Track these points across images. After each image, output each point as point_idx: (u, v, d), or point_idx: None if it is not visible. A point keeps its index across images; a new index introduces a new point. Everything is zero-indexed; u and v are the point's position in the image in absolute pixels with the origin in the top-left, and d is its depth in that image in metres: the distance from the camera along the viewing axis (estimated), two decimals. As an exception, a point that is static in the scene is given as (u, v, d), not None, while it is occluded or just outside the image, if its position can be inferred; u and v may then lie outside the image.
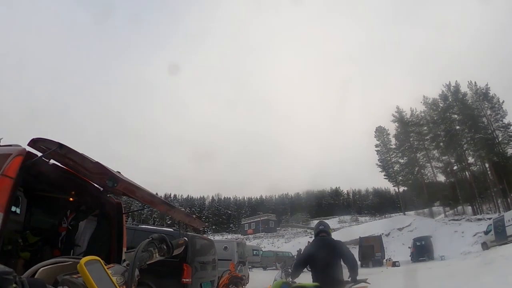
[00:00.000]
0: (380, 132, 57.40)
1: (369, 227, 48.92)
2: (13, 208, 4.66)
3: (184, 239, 1.55)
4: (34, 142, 3.31)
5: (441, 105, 50.52)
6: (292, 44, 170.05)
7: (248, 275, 16.14)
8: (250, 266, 22.72)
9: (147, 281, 6.31)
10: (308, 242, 6.19)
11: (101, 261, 0.93)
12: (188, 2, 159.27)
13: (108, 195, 4.48)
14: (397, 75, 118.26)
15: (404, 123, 52.98)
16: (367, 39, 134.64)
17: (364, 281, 5.48)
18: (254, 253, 35.36)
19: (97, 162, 3.34)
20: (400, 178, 55.09)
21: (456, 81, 50.35)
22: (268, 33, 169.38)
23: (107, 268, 0.96)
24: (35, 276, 0.93)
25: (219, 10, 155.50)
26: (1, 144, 3.57)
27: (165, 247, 1.35)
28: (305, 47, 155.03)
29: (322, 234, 5.55)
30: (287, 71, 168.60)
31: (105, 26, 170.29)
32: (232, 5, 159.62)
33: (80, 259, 0.89)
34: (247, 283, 13.60)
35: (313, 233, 6.02)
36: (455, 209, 50.34)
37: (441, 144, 49.94)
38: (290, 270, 6.36)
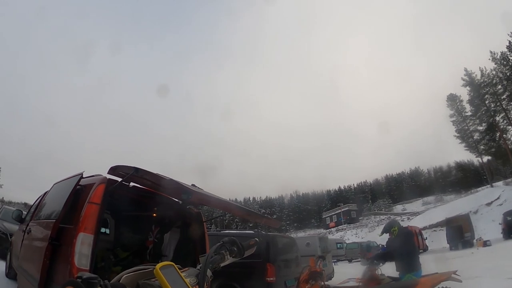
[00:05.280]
0: (452, 100, 51.98)
1: (455, 205, 45.36)
2: (103, 230, 5.29)
3: (255, 239, 1.65)
4: (113, 170, 3.70)
5: (511, 58, 44.35)
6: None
7: (333, 269, 15.94)
8: (334, 260, 22.46)
9: (233, 283, 6.61)
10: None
11: (175, 265, 1.09)
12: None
13: (187, 207, 4.84)
14: (456, 37, 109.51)
15: (476, 86, 47.17)
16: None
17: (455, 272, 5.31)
18: (338, 246, 34.89)
19: (170, 179, 3.60)
20: (482, 147, 49.33)
21: (522, 26, 44.27)
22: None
23: (182, 272, 1.13)
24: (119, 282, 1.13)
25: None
26: (84, 175, 3.98)
27: (235, 249, 1.47)
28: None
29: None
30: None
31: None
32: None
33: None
34: (332, 277, 13.50)
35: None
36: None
37: (520, 101, 44.51)
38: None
